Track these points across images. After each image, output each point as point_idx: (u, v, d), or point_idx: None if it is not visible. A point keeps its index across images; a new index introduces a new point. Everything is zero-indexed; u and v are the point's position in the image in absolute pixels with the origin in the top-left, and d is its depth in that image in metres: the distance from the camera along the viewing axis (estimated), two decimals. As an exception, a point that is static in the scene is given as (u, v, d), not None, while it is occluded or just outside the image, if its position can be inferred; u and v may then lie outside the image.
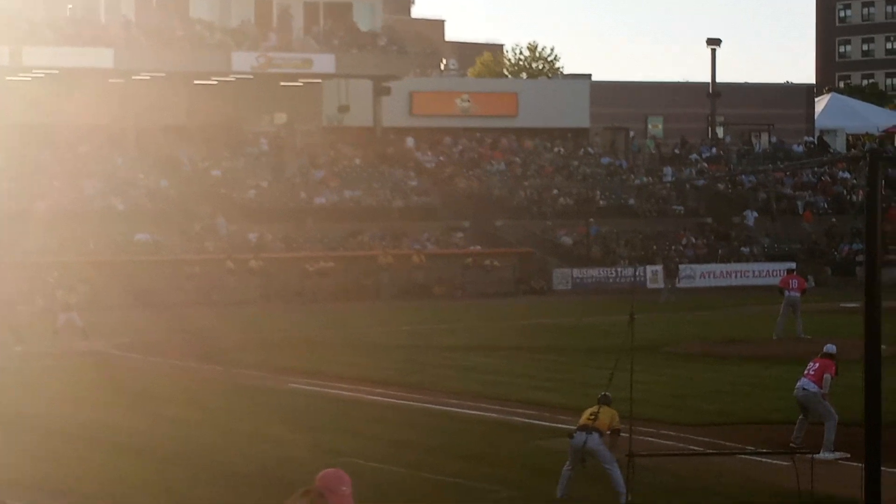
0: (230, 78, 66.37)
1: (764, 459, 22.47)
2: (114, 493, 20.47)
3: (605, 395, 19.98)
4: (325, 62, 66.86)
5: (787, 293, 41.76)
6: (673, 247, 66.68)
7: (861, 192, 73.21)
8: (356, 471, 21.46)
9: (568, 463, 19.87)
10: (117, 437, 24.84)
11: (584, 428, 19.59)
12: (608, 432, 19.63)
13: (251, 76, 66.18)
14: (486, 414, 27.79)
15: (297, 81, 68.80)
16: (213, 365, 35.90)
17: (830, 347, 24.19)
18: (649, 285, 62.27)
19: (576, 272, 63.66)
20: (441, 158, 72.07)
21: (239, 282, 56.87)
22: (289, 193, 64.65)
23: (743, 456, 22.76)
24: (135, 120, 65.76)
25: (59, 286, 45.73)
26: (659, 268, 62.90)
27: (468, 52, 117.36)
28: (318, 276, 58.58)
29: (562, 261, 64.86)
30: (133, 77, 64.36)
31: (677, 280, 61.23)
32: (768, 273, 63.45)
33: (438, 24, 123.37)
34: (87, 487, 20.84)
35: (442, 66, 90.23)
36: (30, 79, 63.34)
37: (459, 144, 73.82)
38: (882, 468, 14.68)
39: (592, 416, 19.64)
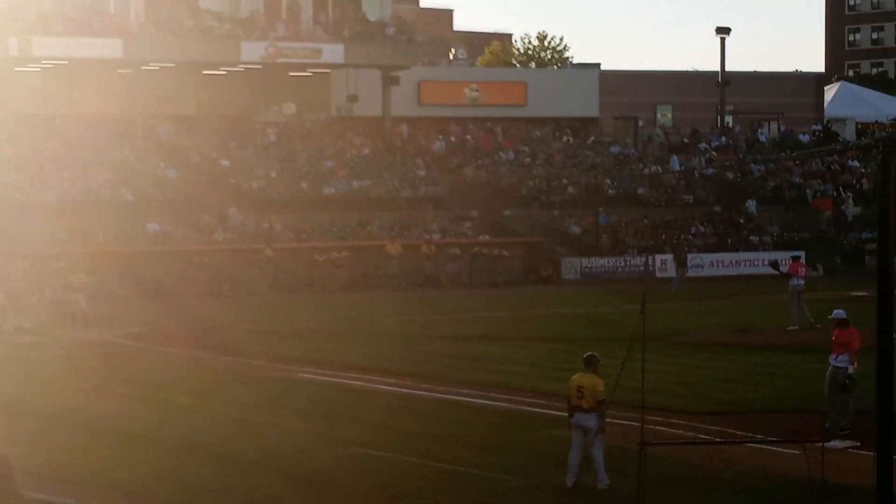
0: (239, 68, 66.33)
1: (774, 448, 22.46)
2: (124, 483, 20.50)
3: (591, 355, 20.23)
4: (333, 52, 66.80)
5: (795, 281, 41.53)
6: (682, 236, 66.61)
7: (868, 180, 73.15)
8: (368, 461, 21.59)
9: (572, 449, 19.98)
10: (128, 427, 24.87)
11: (578, 408, 19.98)
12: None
13: (260, 66, 66.13)
14: (496, 403, 27.80)
15: (305, 71, 68.73)
16: (223, 355, 35.92)
17: (839, 312, 24.07)
18: (658, 274, 62.30)
19: (584, 261, 63.64)
20: (449, 148, 72.00)
21: (248, 272, 56.82)
22: (297, 184, 64.63)
23: (753, 445, 22.74)
24: (143, 110, 65.78)
25: (68, 272, 46.00)
26: (669, 257, 62.88)
27: (477, 41, 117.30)
28: (328, 266, 58.57)
29: (570, 250, 64.82)
30: (142, 67, 64.34)
31: (687, 269, 61.19)
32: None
33: (447, 14, 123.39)
34: (98, 477, 20.87)
35: (451, 56, 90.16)
36: (38, 69, 63.30)
37: (468, 134, 73.75)
38: (894, 456, 14.65)
39: (580, 394, 19.98)
